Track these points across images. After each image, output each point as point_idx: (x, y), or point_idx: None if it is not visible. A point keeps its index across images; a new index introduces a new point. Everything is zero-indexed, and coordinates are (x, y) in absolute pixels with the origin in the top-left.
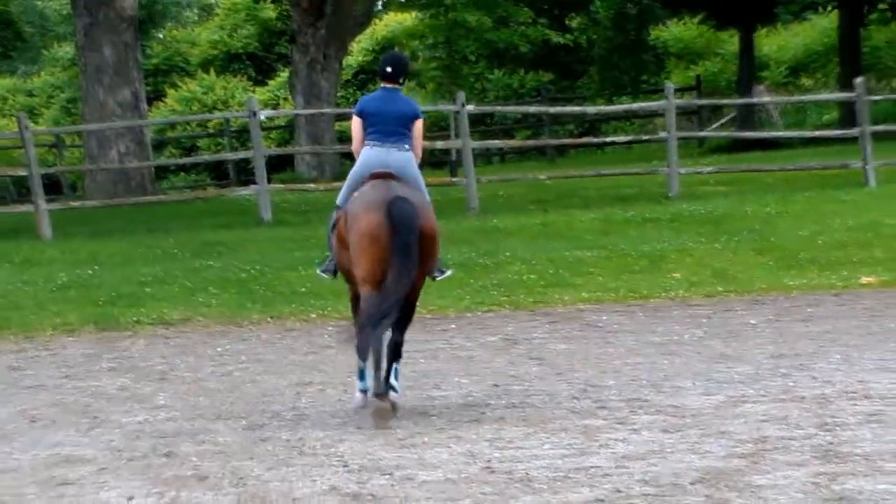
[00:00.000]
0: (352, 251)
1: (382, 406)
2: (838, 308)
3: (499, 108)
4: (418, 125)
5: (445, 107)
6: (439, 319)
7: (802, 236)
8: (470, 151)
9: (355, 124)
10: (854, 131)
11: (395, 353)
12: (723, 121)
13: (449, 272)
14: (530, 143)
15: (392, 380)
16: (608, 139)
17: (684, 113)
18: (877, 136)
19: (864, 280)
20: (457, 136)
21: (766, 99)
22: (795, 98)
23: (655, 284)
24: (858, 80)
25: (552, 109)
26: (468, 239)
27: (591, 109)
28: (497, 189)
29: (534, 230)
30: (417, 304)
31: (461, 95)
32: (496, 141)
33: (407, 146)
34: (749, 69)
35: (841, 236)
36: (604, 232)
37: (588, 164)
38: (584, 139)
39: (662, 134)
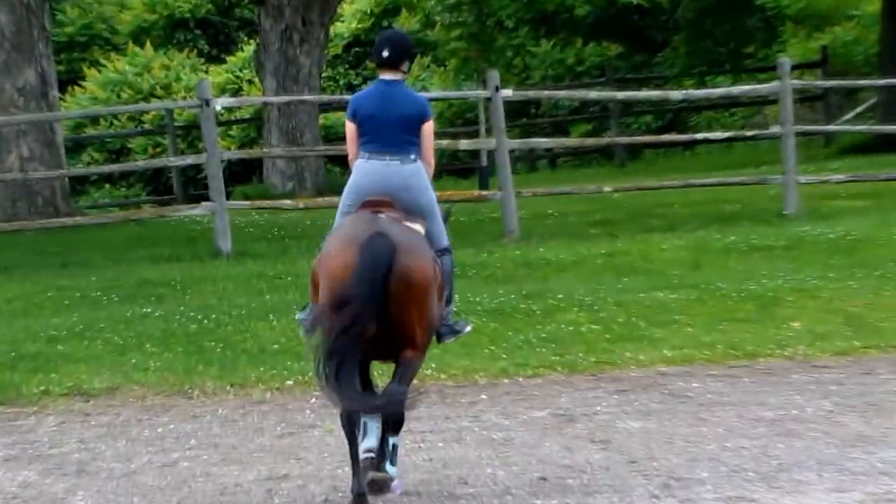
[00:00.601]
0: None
1: (378, 477)
2: None
3: (547, 92)
4: (427, 128)
5: (473, 92)
6: (465, 388)
7: None
8: (507, 154)
9: (348, 130)
10: None
11: (393, 422)
12: (860, 109)
13: (467, 328)
14: (591, 142)
15: (387, 464)
16: (699, 136)
17: (806, 99)
18: None
19: None
20: (488, 132)
21: None
22: None
23: (766, 338)
24: None
25: (621, 95)
26: (505, 275)
27: (675, 95)
28: (545, 206)
29: (596, 263)
30: (420, 365)
31: (494, 76)
32: (543, 139)
33: (413, 156)
34: (894, 39)
35: None
36: (694, 265)
37: (672, 172)
38: (667, 136)
39: (775, 129)
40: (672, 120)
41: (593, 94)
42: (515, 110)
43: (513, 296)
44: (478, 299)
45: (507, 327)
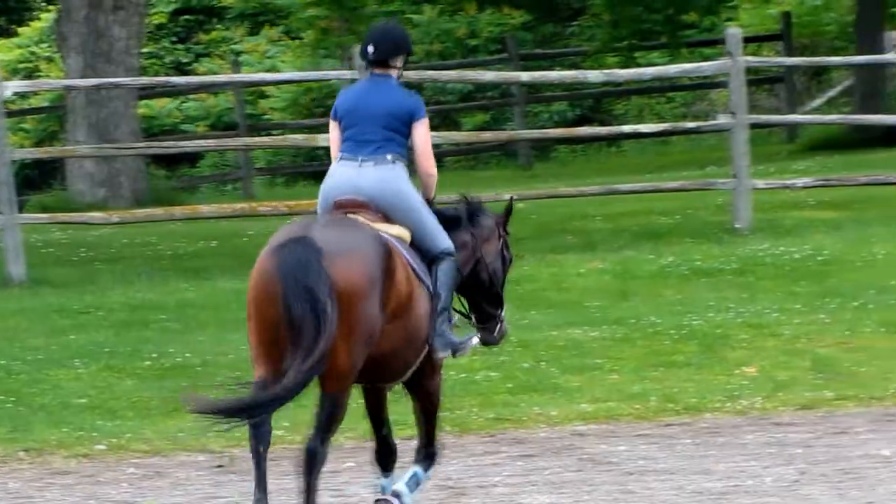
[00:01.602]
0: None
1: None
2: None
3: (431, 73)
4: (418, 128)
5: (335, 73)
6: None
7: None
8: None
9: (330, 130)
10: None
11: (421, 456)
12: (831, 94)
13: (473, 341)
14: (488, 136)
15: (401, 486)
16: (626, 129)
17: (763, 81)
18: None
19: None
20: None
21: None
22: None
23: (712, 388)
24: None
25: (526, 76)
26: None
27: (595, 76)
28: None
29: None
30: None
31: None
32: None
33: (390, 156)
34: (874, 3)
35: None
36: (620, 295)
37: (592, 175)
38: (585, 129)
39: (723, 119)
40: (592, 108)
41: (490, 76)
42: None
43: None
44: None
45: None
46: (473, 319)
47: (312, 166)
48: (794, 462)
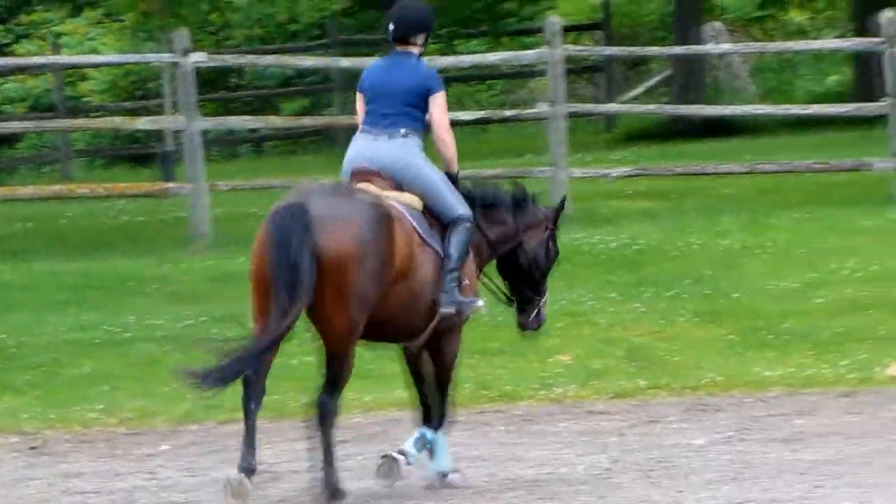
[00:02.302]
0: None
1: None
2: (850, 419)
3: (251, 57)
4: (435, 101)
5: (154, 56)
6: (141, 436)
7: (787, 291)
8: (198, 136)
9: (357, 102)
10: (876, 106)
11: (428, 418)
12: (649, 83)
13: (477, 304)
14: (307, 121)
15: (409, 445)
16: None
17: (583, 70)
18: None
19: (894, 370)
20: (175, 108)
21: (725, 47)
22: (776, 46)
23: (527, 375)
24: (886, 14)
25: (345, 62)
26: (193, 292)
27: None
28: (247, 203)
29: None
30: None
31: (183, 36)
32: (246, 118)
33: (404, 130)
34: None
35: (855, 293)
36: None
37: None
38: None
39: (541, 107)
40: None
41: (310, 62)
42: (211, 80)
43: (203, 318)
44: (158, 322)
45: (195, 359)
46: (514, 302)
47: (132, 149)
48: (607, 450)
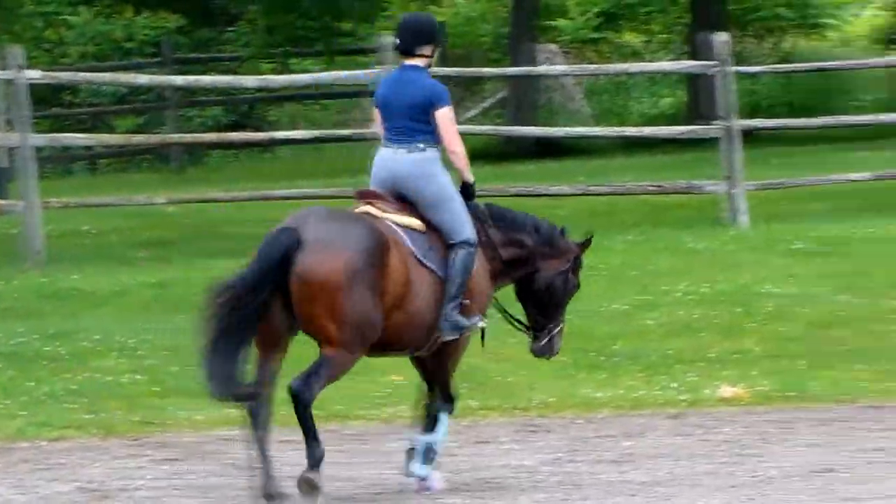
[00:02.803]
0: None
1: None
2: (679, 441)
3: (85, 75)
4: (441, 115)
5: None
6: None
7: (618, 313)
8: (32, 153)
9: (374, 115)
10: (708, 129)
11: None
12: (484, 105)
13: (476, 323)
14: (140, 139)
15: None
16: (280, 135)
17: None
18: (753, 139)
19: (726, 392)
20: (9, 125)
21: (559, 68)
22: (611, 68)
23: (359, 395)
24: (719, 37)
25: (180, 80)
26: (25, 309)
27: (249, 81)
28: (80, 221)
29: (144, 296)
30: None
31: (17, 53)
32: (80, 135)
33: (421, 144)
34: (528, 15)
35: (687, 314)
36: None
37: (245, 180)
38: (238, 135)
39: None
40: (246, 114)
41: (144, 79)
42: (45, 97)
43: (35, 336)
44: None
45: (27, 376)
46: (528, 328)
47: None
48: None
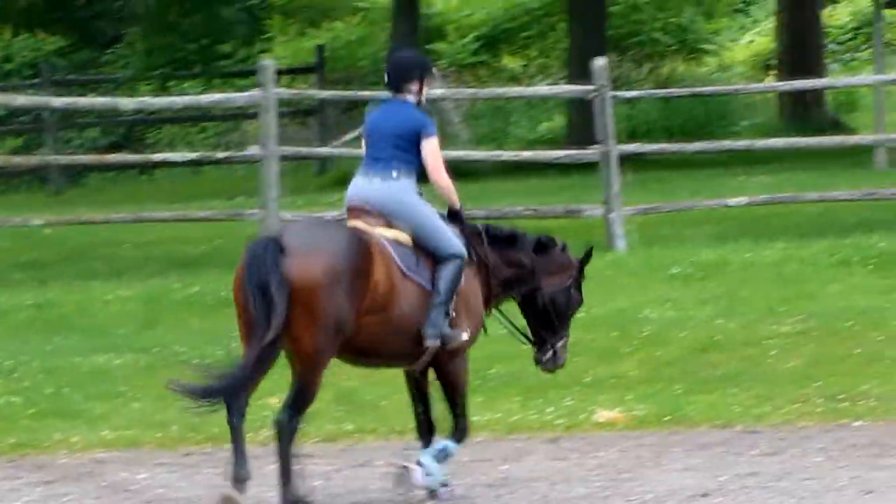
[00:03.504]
0: None
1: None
2: (556, 464)
3: None
4: (426, 146)
5: None
6: None
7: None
8: None
9: (362, 145)
10: (587, 153)
11: (452, 430)
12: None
13: (460, 336)
14: (18, 161)
15: (427, 457)
16: (158, 157)
17: (296, 113)
18: (632, 163)
19: (602, 416)
20: None
21: (437, 92)
22: (490, 92)
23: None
24: (598, 62)
25: (58, 102)
26: None
27: (127, 103)
28: None
29: (19, 318)
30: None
31: None
32: None
33: (395, 172)
34: (407, 39)
35: None
36: (147, 323)
37: (123, 202)
38: (116, 156)
39: (253, 150)
40: (125, 136)
41: (21, 100)
42: None
43: None
44: None
45: None
46: (532, 341)
47: None
48: (313, 494)
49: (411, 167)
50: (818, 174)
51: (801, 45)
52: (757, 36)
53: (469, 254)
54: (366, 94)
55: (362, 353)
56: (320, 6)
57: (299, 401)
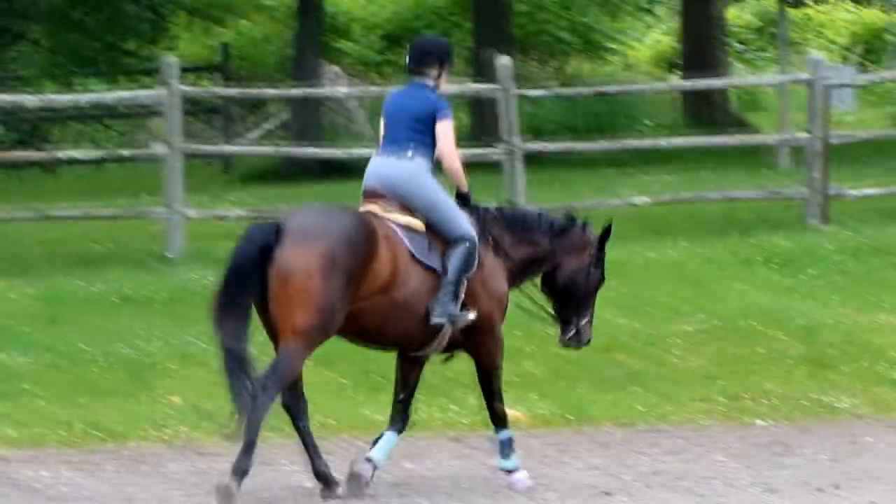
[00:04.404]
0: None
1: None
2: (458, 463)
3: None
4: (441, 127)
5: None
6: None
7: None
8: None
9: (381, 126)
10: (493, 151)
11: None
12: (267, 126)
13: (470, 315)
14: None
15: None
16: (62, 154)
17: (200, 111)
18: (536, 162)
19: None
20: None
21: (342, 90)
22: (385, 90)
23: (139, 416)
24: (502, 60)
25: None
26: None
27: (31, 101)
28: None
29: None
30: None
31: None
32: None
33: (411, 152)
34: (312, 37)
35: None
36: (50, 320)
37: (27, 199)
38: (19, 154)
39: (157, 147)
40: (30, 133)
41: None
42: None
43: None
44: None
45: None
46: (555, 319)
47: None
48: (216, 492)
49: (427, 149)
50: (720, 173)
51: (704, 45)
52: (661, 35)
53: (485, 236)
54: (269, 91)
55: (368, 334)
56: (224, 4)
57: (276, 371)
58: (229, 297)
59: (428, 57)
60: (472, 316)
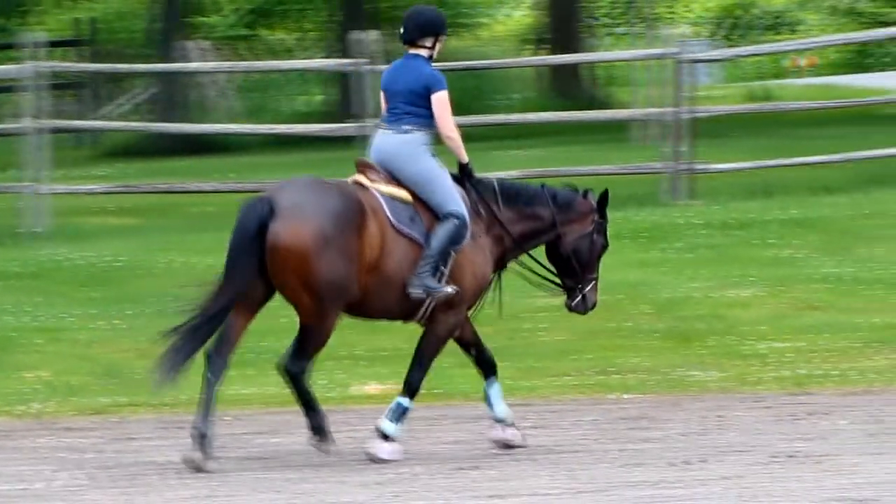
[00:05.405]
0: None
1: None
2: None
3: None
4: (436, 100)
5: None
6: None
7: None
8: None
9: (381, 100)
10: (362, 126)
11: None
12: (134, 100)
13: (446, 290)
14: None
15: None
16: None
17: (65, 86)
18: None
19: (372, 389)
20: None
21: (208, 65)
22: (260, 65)
23: (4, 391)
24: (369, 35)
25: None
26: None
27: None
28: None
29: None
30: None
31: None
32: None
33: (408, 126)
34: (180, 11)
35: None
36: None
37: None
38: None
39: (23, 122)
40: None
41: None
42: None
43: None
44: None
45: None
46: (561, 286)
47: None
48: (83, 467)
49: (424, 122)
50: (587, 147)
51: (565, 20)
52: (529, 11)
53: (479, 211)
54: (135, 67)
55: (353, 305)
56: None
57: (309, 348)
58: (230, 276)
59: (424, 29)
60: (450, 290)
